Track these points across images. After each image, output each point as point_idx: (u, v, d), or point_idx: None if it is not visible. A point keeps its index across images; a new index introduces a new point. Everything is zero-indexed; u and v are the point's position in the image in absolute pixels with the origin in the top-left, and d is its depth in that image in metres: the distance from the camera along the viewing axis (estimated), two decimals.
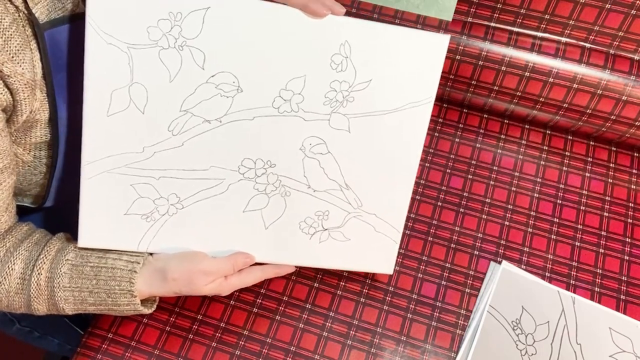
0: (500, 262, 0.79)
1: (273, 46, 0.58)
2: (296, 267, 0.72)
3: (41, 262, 0.60)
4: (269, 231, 0.67)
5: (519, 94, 0.87)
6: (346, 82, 0.61)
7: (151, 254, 0.66)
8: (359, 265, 0.73)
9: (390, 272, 0.73)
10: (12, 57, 0.53)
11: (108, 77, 0.57)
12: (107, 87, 0.58)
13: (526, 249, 0.81)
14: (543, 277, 0.78)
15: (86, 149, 0.60)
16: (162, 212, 0.64)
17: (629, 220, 0.84)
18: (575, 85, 0.84)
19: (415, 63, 0.61)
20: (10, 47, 0.52)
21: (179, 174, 0.63)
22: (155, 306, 0.67)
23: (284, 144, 0.63)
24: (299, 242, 0.69)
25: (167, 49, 0.57)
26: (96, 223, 0.63)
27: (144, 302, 0.65)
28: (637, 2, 0.79)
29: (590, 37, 0.84)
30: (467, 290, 0.77)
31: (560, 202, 0.85)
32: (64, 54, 0.58)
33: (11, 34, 0.52)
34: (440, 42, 0.61)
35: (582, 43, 0.85)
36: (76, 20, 0.58)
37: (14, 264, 0.60)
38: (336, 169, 0.65)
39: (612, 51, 0.85)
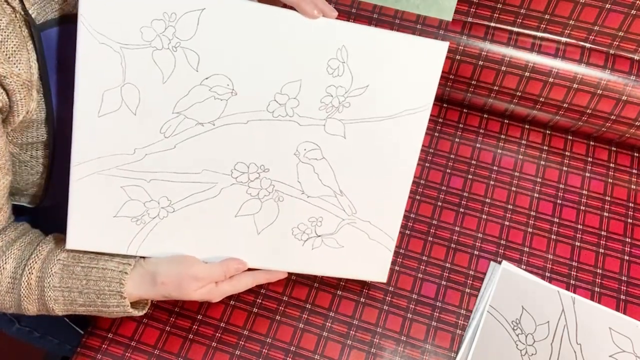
0: (500, 262, 0.79)
1: (269, 49, 0.57)
2: (289, 273, 0.72)
3: (32, 262, 0.60)
4: (261, 236, 0.67)
5: (519, 94, 0.87)
6: (342, 88, 0.60)
7: (143, 257, 0.65)
8: (352, 273, 0.72)
9: (384, 280, 0.73)
10: (9, 57, 0.53)
11: (100, 77, 0.56)
12: (98, 87, 0.57)
13: (526, 249, 0.81)
14: (543, 277, 0.78)
15: (76, 150, 0.59)
16: (153, 215, 0.64)
17: (629, 220, 0.84)
18: (575, 85, 0.84)
19: (413, 69, 0.60)
20: (7, 47, 0.52)
21: (170, 177, 0.62)
22: (146, 309, 0.67)
23: (278, 149, 0.62)
24: (292, 248, 0.68)
25: (161, 50, 0.56)
26: (85, 225, 0.62)
27: (135, 304, 0.65)
28: (637, 2, 0.79)
29: (590, 37, 0.84)
30: (467, 290, 0.77)
31: (560, 202, 0.85)
32: (60, 54, 0.58)
33: (8, 35, 0.52)
34: (439, 49, 0.60)
35: (582, 43, 0.85)
36: (73, 21, 0.57)
37: (5, 262, 0.60)
38: (331, 175, 0.65)
39: (612, 51, 0.84)
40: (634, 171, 0.89)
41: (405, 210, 0.83)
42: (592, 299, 0.77)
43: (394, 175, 0.66)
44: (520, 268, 0.79)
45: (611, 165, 0.89)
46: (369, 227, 0.68)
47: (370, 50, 0.59)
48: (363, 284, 0.77)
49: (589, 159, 0.90)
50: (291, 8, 0.57)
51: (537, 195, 0.86)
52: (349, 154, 0.64)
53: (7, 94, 0.54)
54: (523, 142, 0.91)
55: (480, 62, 0.86)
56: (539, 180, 0.87)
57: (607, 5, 0.80)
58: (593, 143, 0.91)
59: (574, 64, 0.84)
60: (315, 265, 0.70)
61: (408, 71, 0.61)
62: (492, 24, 0.86)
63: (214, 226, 0.65)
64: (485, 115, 0.94)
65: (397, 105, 0.62)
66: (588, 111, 0.86)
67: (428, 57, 0.60)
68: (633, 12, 0.80)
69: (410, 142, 0.64)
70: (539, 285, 0.77)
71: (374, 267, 0.71)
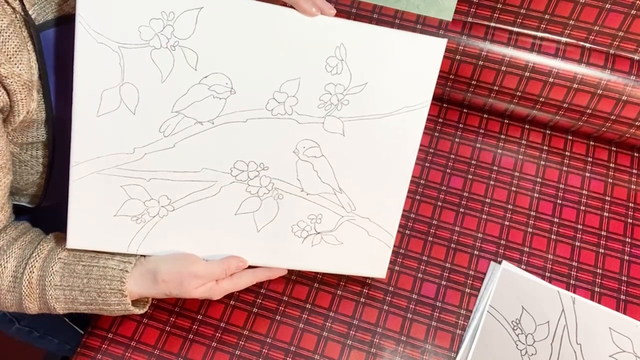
0: (500, 262, 0.79)
1: (267, 48, 0.58)
2: (289, 271, 0.72)
3: (33, 260, 0.60)
4: (261, 234, 0.67)
5: (519, 94, 0.87)
6: (341, 85, 0.60)
7: (143, 256, 0.65)
8: (351, 269, 0.72)
9: (383, 276, 0.73)
10: (10, 58, 0.53)
11: (98, 77, 0.56)
12: (97, 86, 0.57)
13: (526, 249, 0.81)
14: (543, 277, 0.78)
15: (75, 150, 0.59)
16: (153, 214, 0.64)
17: (629, 220, 0.84)
18: (575, 85, 0.84)
19: (411, 67, 0.61)
20: (7, 48, 0.52)
21: (170, 176, 0.62)
22: (147, 307, 0.67)
23: (277, 147, 0.62)
24: (292, 245, 0.68)
25: (159, 49, 0.56)
26: (85, 224, 0.63)
27: (136, 302, 0.65)
28: (637, 2, 0.79)
29: (590, 37, 0.84)
30: (467, 290, 0.77)
31: (560, 202, 0.85)
32: (60, 54, 0.58)
33: (8, 36, 0.53)
34: (437, 46, 0.60)
35: (582, 43, 0.85)
36: (72, 21, 0.58)
37: (6, 262, 0.60)
38: (330, 172, 0.65)
39: (612, 51, 0.84)
40: (634, 171, 0.89)
41: (405, 210, 0.83)
42: (592, 299, 0.77)
43: (393, 171, 0.66)
44: (520, 268, 0.79)
45: (611, 165, 0.89)
46: (368, 224, 0.68)
47: (368, 47, 0.59)
48: (363, 284, 0.77)
49: (589, 159, 0.90)
50: (290, 6, 0.57)
51: (537, 195, 0.86)
52: (348, 151, 0.64)
53: (8, 94, 0.55)
54: (523, 142, 0.91)
55: (480, 62, 0.86)
56: (539, 180, 0.87)
57: (607, 5, 0.80)
58: (593, 143, 0.91)
59: (574, 64, 0.84)
60: (315, 262, 0.70)
61: (407, 68, 0.61)
62: (492, 24, 0.86)
63: (214, 224, 0.65)
64: (485, 115, 0.94)
65: (396, 102, 0.62)
66: (588, 111, 0.86)
67: (426, 53, 0.60)
68: (633, 12, 0.80)
69: (410, 138, 0.64)
70: (539, 285, 0.77)
71: (373, 264, 0.72)
